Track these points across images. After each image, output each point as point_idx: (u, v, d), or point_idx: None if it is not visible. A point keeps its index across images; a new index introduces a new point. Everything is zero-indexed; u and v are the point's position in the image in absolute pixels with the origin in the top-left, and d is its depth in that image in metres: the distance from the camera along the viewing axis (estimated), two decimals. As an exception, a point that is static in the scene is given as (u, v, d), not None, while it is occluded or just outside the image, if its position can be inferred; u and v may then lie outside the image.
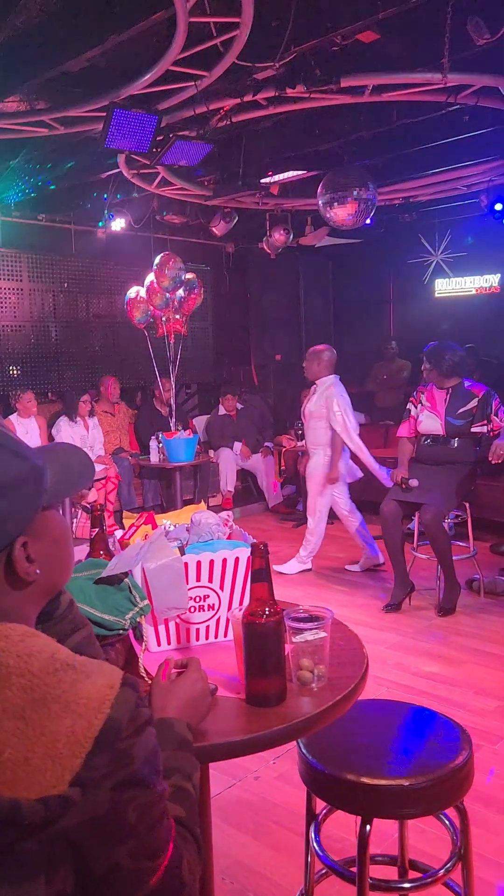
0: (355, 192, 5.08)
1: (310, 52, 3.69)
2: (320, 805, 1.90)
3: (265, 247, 7.15)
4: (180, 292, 6.40)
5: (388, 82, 4.01)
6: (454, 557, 4.46)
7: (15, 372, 7.00)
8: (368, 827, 1.65)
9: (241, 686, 1.39)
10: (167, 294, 6.25)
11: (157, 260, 6.15)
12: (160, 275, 6.13)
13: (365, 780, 1.63)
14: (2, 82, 3.93)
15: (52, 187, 5.94)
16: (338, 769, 1.66)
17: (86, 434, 6.73)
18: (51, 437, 6.60)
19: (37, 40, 3.66)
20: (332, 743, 1.76)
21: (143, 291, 6.46)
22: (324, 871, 2.03)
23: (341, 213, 5.20)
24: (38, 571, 0.86)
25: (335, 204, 5.17)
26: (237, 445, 7.64)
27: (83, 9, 3.46)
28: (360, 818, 1.66)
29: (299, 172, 5.87)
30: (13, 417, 6.40)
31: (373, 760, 1.68)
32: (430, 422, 4.53)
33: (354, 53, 3.80)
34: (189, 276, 6.45)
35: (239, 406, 7.83)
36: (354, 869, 1.70)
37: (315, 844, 1.89)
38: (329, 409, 5.19)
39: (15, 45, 3.72)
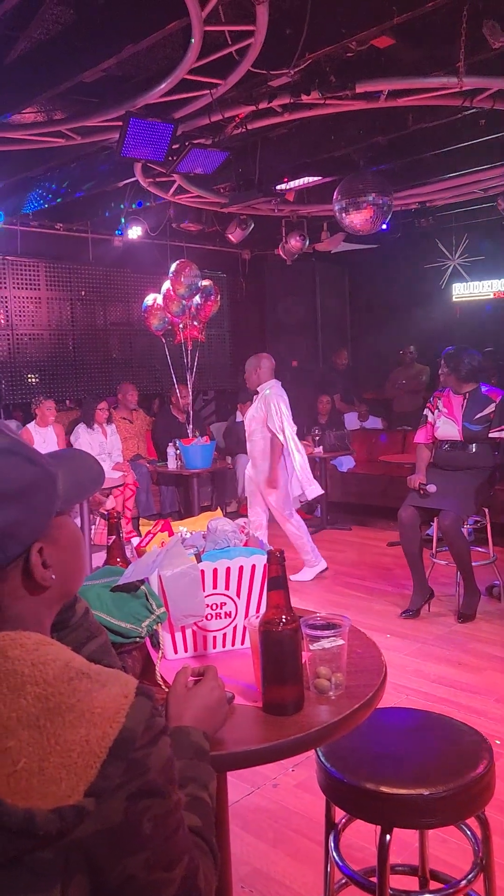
0: (371, 198, 5.08)
1: (324, 58, 3.69)
2: (339, 814, 1.88)
3: (281, 253, 7.16)
4: (197, 299, 6.42)
5: (403, 87, 4.00)
6: (473, 563, 4.43)
7: (34, 380, 7.05)
8: (388, 836, 1.63)
9: (259, 694, 1.38)
10: (183, 301, 6.28)
11: (173, 267, 6.18)
12: (176, 282, 6.15)
13: (384, 789, 1.61)
14: (20, 94, 3.98)
15: (69, 197, 5.99)
16: (357, 778, 1.65)
17: (104, 441, 6.76)
18: (69, 445, 6.63)
19: (53, 52, 3.70)
20: (351, 751, 1.75)
21: (160, 299, 6.49)
22: (343, 881, 2.01)
23: (357, 219, 5.19)
24: (53, 577, 0.86)
25: (351, 210, 5.17)
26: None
27: (99, 20, 3.49)
28: (379, 827, 1.64)
29: (315, 178, 5.87)
30: (31, 426, 6.45)
31: (392, 769, 1.67)
32: (447, 427, 4.50)
33: (369, 59, 3.80)
34: (205, 282, 6.47)
35: None
36: (374, 879, 1.68)
37: (334, 854, 1.88)
38: (267, 413, 5.17)
39: (32, 57, 3.77)
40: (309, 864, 2.38)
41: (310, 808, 2.67)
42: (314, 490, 5.25)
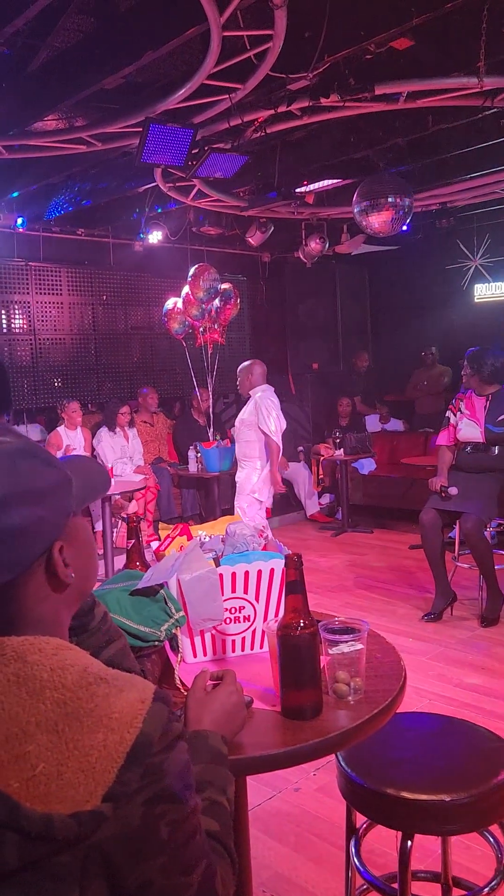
0: (391, 199, 5.05)
1: (343, 61, 3.68)
2: (361, 819, 1.87)
3: (301, 256, 7.15)
4: (216, 302, 6.44)
5: (422, 88, 3.98)
6: (497, 566, 4.39)
7: (56, 384, 7.11)
8: (410, 842, 1.62)
9: (277, 698, 1.38)
10: (203, 305, 6.30)
11: (192, 271, 6.20)
12: (194, 286, 6.18)
13: (405, 794, 1.60)
14: (42, 102, 4.02)
15: (91, 202, 6.03)
16: (377, 783, 1.64)
17: (125, 444, 6.80)
18: (92, 448, 6.69)
19: (74, 60, 3.73)
20: (371, 756, 1.74)
21: (179, 303, 6.52)
22: (365, 887, 2.00)
23: (377, 221, 5.17)
24: (72, 575, 0.87)
25: (371, 211, 5.15)
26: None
27: (119, 27, 3.52)
28: (400, 833, 1.63)
29: (334, 181, 5.86)
30: (60, 430, 6.52)
31: (414, 775, 1.66)
32: (469, 429, 4.46)
33: (388, 61, 3.79)
34: (225, 286, 6.49)
35: None
36: (396, 885, 1.67)
37: (355, 859, 1.87)
38: (258, 414, 5.20)
39: (54, 65, 3.80)
40: (330, 869, 2.37)
41: (331, 812, 2.67)
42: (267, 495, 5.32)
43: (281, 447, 5.30)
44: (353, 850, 1.89)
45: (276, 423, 5.20)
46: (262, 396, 5.26)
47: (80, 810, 0.71)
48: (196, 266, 6.26)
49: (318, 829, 2.60)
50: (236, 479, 5.52)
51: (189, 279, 6.22)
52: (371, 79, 3.85)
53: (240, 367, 5.48)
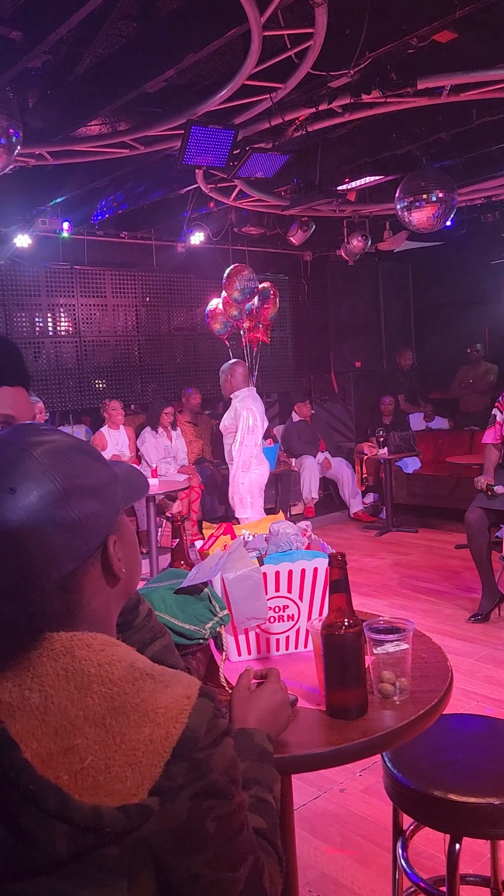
0: (434, 195, 4.99)
1: (385, 56, 3.64)
2: (408, 820, 1.86)
3: (343, 254, 7.11)
4: (255, 301, 6.44)
5: (466, 81, 3.92)
6: (546, 567, 4.30)
7: (101, 385, 7.21)
8: (458, 846, 1.60)
9: (322, 698, 1.38)
10: (240, 305, 6.30)
11: (227, 271, 6.21)
12: (229, 286, 6.19)
13: (453, 797, 1.58)
14: (86, 108, 4.08)
15: (133, 205, 6.10)
16: (424, 785, 1.62)
17: (169, 444, 6.85)
18: (136, 449, 6.77)
19: (117, 65, 3.78)
20: (418, 758, 1.72)
21: (220, 303, 6.55)
22: (412, 889, 1.98)
23: (421, 217, 5.11)
24: (124, 570, 0.89)
25: (414, 207, 5.09)
26: (320, 455, 7.63)
27: (160, 31, 3.54)
28: (448, 836, 1.61)
29: (377, 178, 5.81)
30: (104, 430, 6.61)
31: (461, 777, 1.63)
32: (516, 427, 4.39)
33: (431, 54, 3.74)
34: (264, 285, 6.49)
35: (313, 411, 7.84)
36: (444, 889, 1.65)
37: (402, 861, 1.85)
38: (237, 422, 5.11)
39: (97, 71, 3.85)
40: (377, 871, 2.35)
41: (377, 813, 2.65)
42: (242, 512, 5.16)
43: (252, 461, 5.13)
44: (399, 852, 1.87)
45: (245, 443, 5.07)
46: (241, 406, 5.16)
47: (127, 803, 0.72)
48: (231, 267, 6.27)
49: (364, 831, 2.59)
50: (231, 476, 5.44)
51: (224, 280, 6.24)
52: (413, 73, 3.80)
53: (222, 367, 5.40)
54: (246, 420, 5.08)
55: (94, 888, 0.71)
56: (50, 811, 0.70)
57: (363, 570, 5.72)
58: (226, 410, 5.37)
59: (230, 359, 6.77)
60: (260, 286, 6.40)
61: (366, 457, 7.71)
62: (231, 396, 5.31)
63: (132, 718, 0.76)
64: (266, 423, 5.37)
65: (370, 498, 7.98)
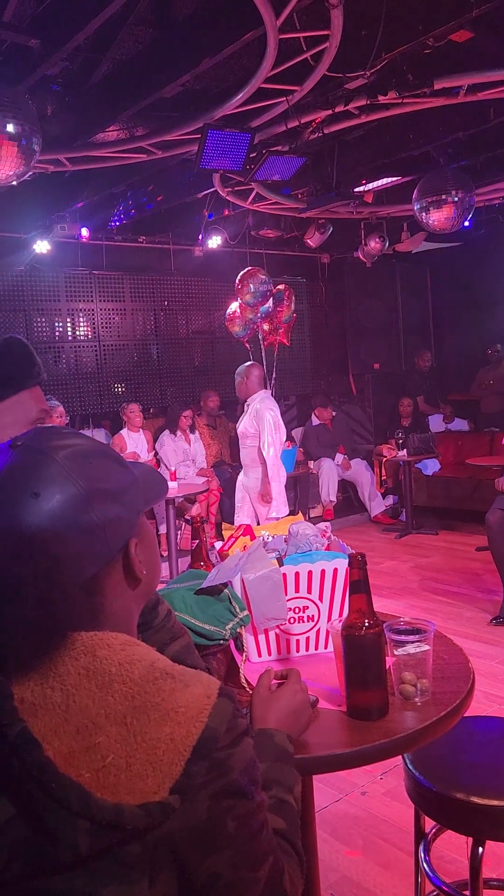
0: (452, 195, 4.97)
1: (401, 57, 3.63)
2: (430, 823, 1.84)
3: (361, 256, 7.09)
4: (270, 304, 6.44)
5: (483, 80, 3.90)
6: None
7: (120, 389, 7.25)
8: (481, 849, 1.59)
9: (342, 699, 1.37)
10: (253, 308, 6.31)
11: (240, 275, 6.22)
12: (242, 290, 6.20)
13: (475, 799, 1.57)
14: (104, 114, 4.11)
15: (151, 210, 6.13)
16: (447, 787, 1.61)
17: (187, 448, 6.87)
18: (155, 452, 6.79)
19: (134, 70, 3.80)
20: (440, 760, 1.71)
21: (238, 307, 6.56)
22: (435, 893, 1.97)
23: (438, 218, 5.09)
24: (144, 571, 0.89)
25: (432, 208, 5.07)
26: (339, 457, 7.60)
27: (176, 36, 3.56)
28: (471, 839, 1.60)
29: (394, 179, 5.80)
30: (123, 432, 6.65)
31: (484, 780, 1.62)
32: (538, 427, 4.35)
33: (447, 54, 3.72)
34: (278, 287, 6.49)
35: (333, 414, 7.81)
36: (467, 893, 1.63)
37: (425, 864, 1.84)
38: (260, 428, 5.07)
39: (114, 77, 3.88)
40: (399, 874, 2.34)
41: (399, 816, 2.63)
42: (281, 511, 5.13)
43: (281, 469, 5.13)
44: (422, 855, 1.86)
45: (274, 444, 5.05)
46: (262, 407, 5.13)
47: (148, 801, 0.72)
48: (244, 270, 6.28)
49: (386, 834, 2.57)
50: (240, 481, 5.42)
51: (237, 282, 6.24)
52: (430, 73, 3.79)
53: (237, 370, 5.38)
54: (269, 422, 5.07)
55: (116, 885, 0.72)
56: (72, 809, 0.71)
57: (383, 572, 5.69)
58: (242, 414, 5.36)
59: (250, 361, 6.78)
60: (273, 288, 6.40)
61: (385, 459, 7.68)
62: (248, 400, 5.30)
63: (153, 717, 0.76)
64: (283, 427, 5.36)
65: (389, 500, 7.95)
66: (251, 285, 6.16)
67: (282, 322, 6.61)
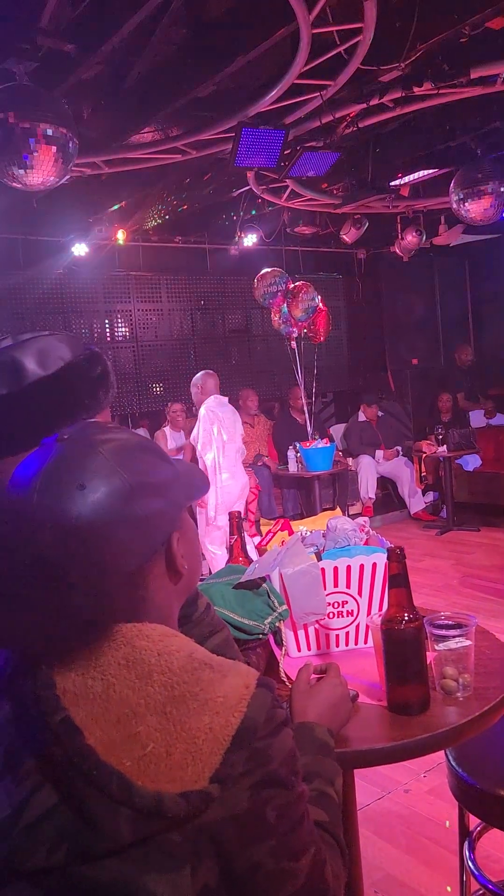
0: (490, 186, 4.89)
1: (436, 47, 3.58)
2: (474, 821, 1.82)
3: (398, 250, 7.03)
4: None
5: (521, 67, 3.83)
6: None
7: (158, 389, 7.31)
8: (526, 847, 1.56)
9: (383, 693, 1.36)
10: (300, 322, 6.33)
11: (290, 288, 6.19)
12: (293, 305, 6.19)
13: (520, 797, 1.54)
14: (139, 115, 4.15)
15: (187, 210, 6.17)
16: (491, 784, 1.59)
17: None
18: (193, 450, 6.82)
19: (169, 71, 3.83)
20: (484, 756, 1.69)
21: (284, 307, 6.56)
22: (480, 892, 1.94)
23: (476, 209, 5.02)
24: (186, 566, 0.90)
25: (469, 200, 5.00)
26: (378, 453, 7.54)
27: (210, 35, 3.57)
28: (516, 837, 1.58)
29: (430, 171, 5.73)
30: (165, 430, 6.70)
31: (529, 777, 1.59)
32: None
33: (484, 42, 3.66)
34: (295, 284, 6.48)
35: (380, 414, 7.75)
36: (513, 891, 1.61)
37: (469, 863, 1.82)
38: (197, 432, 5.07)
39: (149, 78, 3.91)
40: (444, 873, 2.31)
41: (443, 814, 2.60)
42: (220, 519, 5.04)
43: (218, 474, 5.06)
44: (467, 853, 1.84)
45: (210, 448, 5.01)
46: (205, 416, 5.10)
47: (188, 790, 0.73)
48: (294, 285, 6.24)
49: (430, 832, 2.55)
50: None
51: (287, 297, 6.22)
52: (466, 63, 3.73)
53: (192, 379, 5.37)
54: (206, 426, 5.06)
55: (158, 873, 0.72)
56: (114, 796, 0.72)
57: (424, 569, 5.63)
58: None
59: (285, 359, 6.76)
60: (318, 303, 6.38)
61: (425, 455, 7.59)
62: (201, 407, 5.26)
63: (192, 707, 0.77)
64: (240, 431, 5.26)
65: (430, 496, 7.86)
66: (301, 302, 6.18)
67: (295, 320, 6.55)
